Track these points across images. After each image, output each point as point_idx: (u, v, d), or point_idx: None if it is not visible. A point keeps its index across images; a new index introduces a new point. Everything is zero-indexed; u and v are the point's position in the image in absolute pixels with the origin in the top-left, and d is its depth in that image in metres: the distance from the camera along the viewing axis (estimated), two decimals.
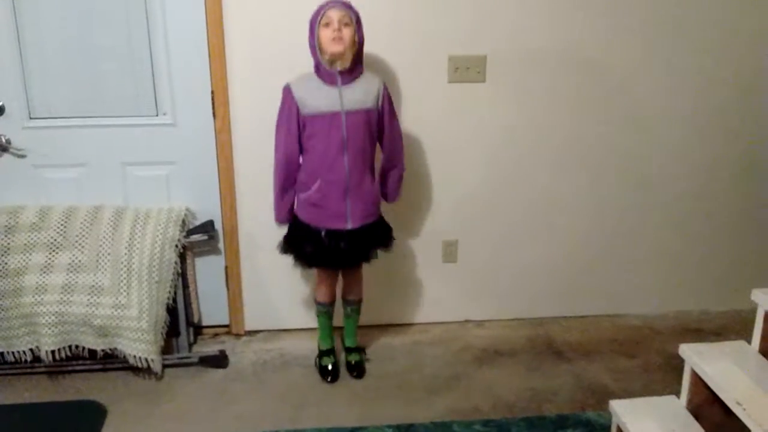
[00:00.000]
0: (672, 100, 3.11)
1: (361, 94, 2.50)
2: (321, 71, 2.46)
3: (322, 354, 2.90)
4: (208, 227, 2.99)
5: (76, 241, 2.78)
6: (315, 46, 2.43)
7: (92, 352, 2.80)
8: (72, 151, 2.91)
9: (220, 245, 3.08)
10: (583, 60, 3.00)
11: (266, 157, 2.95)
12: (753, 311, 2.24)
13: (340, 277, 2.83)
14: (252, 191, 3.01)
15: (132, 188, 2.97)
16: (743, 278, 3.22)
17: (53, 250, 2.77)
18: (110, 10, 2.77)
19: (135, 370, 2.83)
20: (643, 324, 3.32)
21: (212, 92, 2.87)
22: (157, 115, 2.91)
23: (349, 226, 2.58)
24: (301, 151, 2.57)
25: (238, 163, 2.97)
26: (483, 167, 3.10)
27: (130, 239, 2.80)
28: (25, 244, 2.76)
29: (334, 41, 2.38)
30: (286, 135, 2.53)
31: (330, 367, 2.85)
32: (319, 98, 2.45)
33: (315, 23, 2.41)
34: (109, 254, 2.78)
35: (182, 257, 2.91)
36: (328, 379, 2.82)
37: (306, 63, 2.81)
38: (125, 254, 2.78)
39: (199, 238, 2.96)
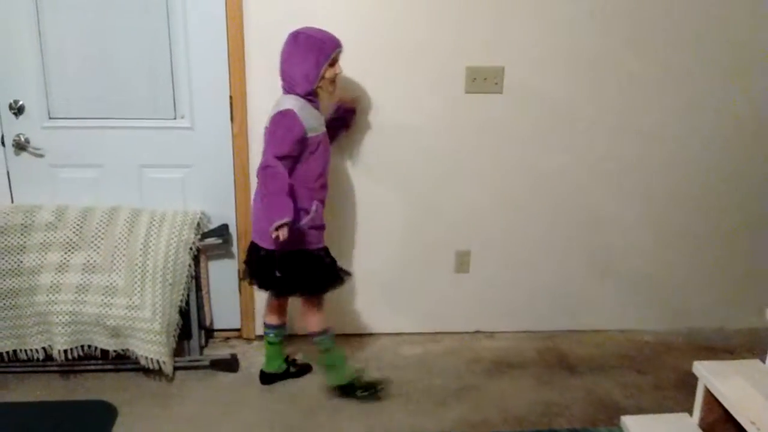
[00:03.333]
0: (692, 115, 3.10)
1: (323, 114, 2.64)
2: (309, 98, 2.51)
3: (355, 383, 2.77)
4: (222, 231, 3.00)
5: (92, 242, 2.79)
6: (316, 77, 2.47)
7: (104, 353, 2.81)
8: (90, 152, 2.93)
9: (234, 249, 3.09)
10: (600, 71, 3.00)
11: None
12: (766, 330, 2.24)
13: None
14: None
15: (148, 190, 2.99)
16: (757, 296, 3.20)
17: (69, 250, 2.78)
18: (131, 13, 2.79)
19: (146, 371, 2.84)
20: (656, 340, 3.30)
21: (230, 97, 2.88)
22: (175, 119, 2.93)
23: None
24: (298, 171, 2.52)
25: (254, 168, 2.97)
26: (498, 178, 3.10)
27: (145, 241, 2.81)
28: (41, 244, 2.77)
29: (334, 83, 2.55)
30: (285, 154, 2.43)
31: (370, 383, 2.78)
32: (313, 120, 2.50)
33: (324, 59, 2.46)
34: (124, 255, 2.79)
35: (196, 260, 2.92)
36: (381, 388, 2.76)
37: None
38: (140, 256, 2.79)
39: (214, 241, 2.97)
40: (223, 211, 3.03)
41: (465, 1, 2.85)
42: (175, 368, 2.87)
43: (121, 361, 2.85)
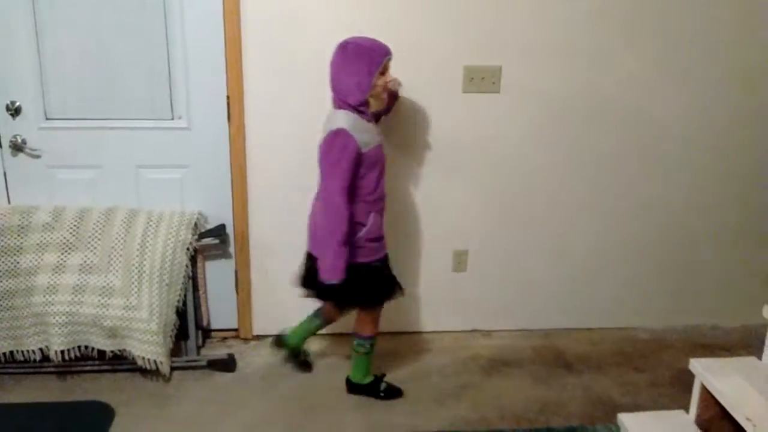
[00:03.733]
0: (690, 114, 3.11)
1: (378, 127, 2.62)
2: (361, 110, 2.45)
3: (375, 385, 2.79)
4: (219, 231, 3.00)
5: (89, 242, 2.79)
6: (368, 86, 2.41)
7: (101, 353, 2.81)
8: (86, 153, 2.93)
9: (231, 250, 3.09)
10: (597, 70, 3.01)
11: (279, 164, 2.98)
12: (763, 327, 2.25)
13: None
14: (264, 197, 3.03)
15: (145, 191, 2.99)
16: (753, 294, 3.21)
17: (65, 251, 2.78)
18: (128, 13, 2.79)
19: (143, 372, 2.84)
20: (652, 338, 3.32)
21: (228, 97, 2.89)
22: (172, 119, 2.93)
23: (385, 249, 2.63)
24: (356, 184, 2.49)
25: (251, 168, 2.99)
26: (496, 177, 3.11)
27: (142, 241, 2.81)
28: (38, 244, 2.77)
29: (386, 91, 2.53)
30: (346, 183, 2.38)
31: (391, 386, 2.80)
32: (367, 134, 2.44)
33: (375, 68, 2.40)
34: (120, 256, 2.79)
35: (193, 260, 2.92)
36: (401, 393, 2.78)
37: (325, 70, 2.84)
38: (137, 256, 2.79)
39: (211, 242, 2.97)
40: (220, 211, 3.03)
41: (462, 0, 2.86)
42: (172, 368, 2.87)
43: (118, 362, 2.85)
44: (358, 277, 2.52)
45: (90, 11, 2.78)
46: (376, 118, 2.69)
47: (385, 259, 2.62)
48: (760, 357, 2.26)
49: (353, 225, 2.47)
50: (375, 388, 2.78)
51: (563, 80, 3.01)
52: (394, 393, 2.80)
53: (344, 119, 2.40)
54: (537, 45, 2.95)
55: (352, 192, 2.44)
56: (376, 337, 2.74)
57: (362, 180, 2.46)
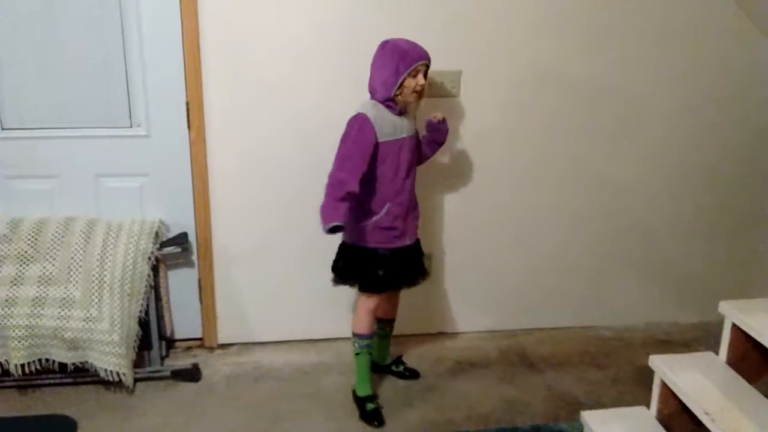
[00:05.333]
0: (642, 113, 3.17)
1: (412, 120, 2.64)
2: (388, 103, 2.52)
3: (364, 400, 2.72)
4: (181, 239, 2.97)
5: (47, 253, 2.75)
6: (394, 85, 2.47)
7: (63, 366, 2.76)
8: (44, 162, 2.88)
9: (194, 258, 3.07)
10: (555, 74, 3.05)
11: (241, 170, 2.97)
12: (721, 323, 2.30)
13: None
14: (227, 204, 3.01)
15: (105, 200, 2.95)
16: (711, 291, 3.27)
17: (24, 263, 2.73)
18: (85, 20, 2.75)
19: (106, 383, 2.80)
20: (614, 336, 3.37)
21: (187, 104, 2.86)
22: (131, 127, 2.89)
23: (408, 242, 2.68)
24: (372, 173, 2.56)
25: (213, 175, 2.97)
26: (456, 181, 3.13)
27: (102, 251, 2.77)
28: None
29: (416, 93, 2.52)
30: (362, 157, 2.47)
31: (376, 409, 2.70)
32: (391, 125, 2.52)
33: (404, 69, 2.46)
34: (80, 266, 2.75)
35: (155, 270, 2.89)
36: (375, 424, 2.66)
37: (284, 74, 2.85)
38: (97, 267, 2.75)
39: (173, 250, 2.94)
40: (182, 219, 3.00)
41: (423, 5, 2.88)
42: (136, 380, 2.84)
43: (80, 374, 2.80)
44: (364, 260, 2.63)
45: (45, 20, 2.73)
46: (429, 151, 2.78)
47: (399, 252, 2.65)
48: (717, 352, 2.31)
49: (366, 211, 2.59)
50: (362, 408, 2.72)
51: (523, 84, 3.04)
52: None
53: (368, 106, 2.52)
54: (497, 50, 2.98)
55: (369, 179, 2.52)
56: (371, 338, 2.73)
57: (379, 169, 2.54)
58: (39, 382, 2.80)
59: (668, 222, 3.36)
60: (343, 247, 2.70)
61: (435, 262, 3.23)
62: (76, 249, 2.76)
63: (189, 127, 2.89)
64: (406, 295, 3.19)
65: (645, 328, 3.44)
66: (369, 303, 2.69)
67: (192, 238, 3.03)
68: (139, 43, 2.80)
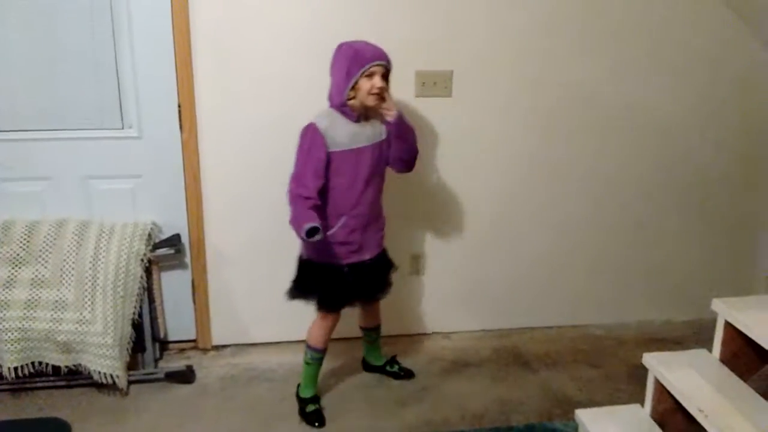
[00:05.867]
0: (631, 112, 3.18)
1: (377, 127, 2.52)
2: (343, 110, 2.43)
3: (306, 402, 2.71)
4: (174, 241, 2.96)
5: (40, 256, 2.73)
6: (346, 89, 2.38)
7: (56, 369, 2.75)
8: (36, 165, 2.87)
9: (187, 259, 3.06)
10: (548, 74, 3.06)
11: (234, 171, 2.96)
12: (713, 321, 2.31)
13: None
14: (219, 205, 3.00)
15: (97, 202, 2.94)
16: (704, 288, 3.28)
17: (16, 265, 2.72)
18: (76, 21, 2.74)
19: (100, 386, 2.79)
20: (607, 334, 3.38)
21: (179, 105, 2.86)
22: (122, 128, 2.88)
23: (367, 256, 2.57)
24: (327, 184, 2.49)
25: (205, 176, 2.96)
26: (448, 180, 3.14)
27: (94, 254, 2.76)
28: None
29: (374, 97, 2.39)
30: (316, 170, 2.40)
31: (316, 410, 2.69)
32: (345, 134, 2.43)
33: (356, 71, 2.36)
34: (73, 269, 2.74)
35: (148, 271, 2.88)
36: (317, 425, 2.64)
37: (276, 75, 2.84)
38: (90, 269, 2.74)
39: (166, 252, 2.93)
40: (174, 220, 3.00)
41: (413, 5, 2.88)
42: (130, 382, 2.83)
43: (74, 377, 2.79)
44: (318, 277, 2.55)
45: (36, 22, 2.72)
46: (397, 155, 2.58)
47: (357, 267, 2.56)
48: (710, 350, 2.32)
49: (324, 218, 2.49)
50: (303, 409, 2.71)
51: (514, 84, 3.05)
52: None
53: (322, 115, 2.44)
54: (488, 49, 2.99)
55: (323, 190, 2.44)
56: (323, 353, 2.70)
57: (333, 180, 2.45)
58: (32, 385, 2.79)
59: (661, 220, 3.37)
60: (299, 261, 2.61)
61: (427, 261, 3.23)
62: (68, 251, 2.75)
63: (181, 128, 2.89)
64: (399, 296, 3.20)
65: (638, 326, 3.46)
66: (326, 321, 2.65)
67: (185, 239, 3.02)
68: (130, 44, 2.79)
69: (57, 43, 2.76)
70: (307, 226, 2.28)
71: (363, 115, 2.47)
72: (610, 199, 3.30)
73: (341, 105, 2.42)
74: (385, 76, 2.42)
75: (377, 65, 2.38)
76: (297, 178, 2.41)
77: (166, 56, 2.81)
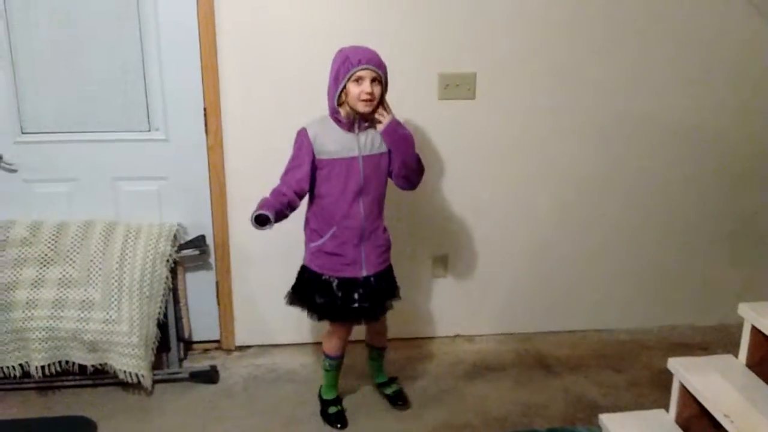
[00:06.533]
0: (655, 115, 3.16)
1: (376, 137, 2.44)
2: (336, 116, 2.40)
3: (327, 404, 2.72)
4: (199, 242, 2.99)
5: (67, 256, 2.77)
6: (336, 95, 2.35)
7: (82, 368, 2.79)
8: (63, 166, 2.92)
9: (212, 260, 3.09)
10: (569, 76, 3.05)
11: (258, 174, 2.97)
12: (738, 326, 2.28)
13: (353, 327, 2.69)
14: (243, 207, 3.00)
15: (123, 203, 2.98)
16: (729, 293, 3.25)
17: (44, 265, 2.76)
18: (103, 26, 2.78)
19: (125, 385, 2.82)
20: (630, 339, 3.35)
21: (205, 108, 2.88)
22: (149, 131, 2.92)
23: (364, 273, 2.50)
24: (311, 197, 2.50)
25: (230, 178, 2.99)
26: (472, 183, 3.13)
27: (121, 254, 2.80)
28: (16, 259, 2.75)
29: (365, 102, 2.32)
30: (299, 172, 2.40)
31: (338, 412, 2.69)
32: (336, 142, 2.39)
33: (343, 76, 2.31)
34: (100, 269, 2.78)
35: (173, 272, 2.91)
36: (338, 426, 2.65)
37: (301, 78, 2.86)
38: (116, 269, 2.78)
39: (191, 253, 2.96)
40: (199, 222, 3.03)
41: (436, 8, 2.89)
42: (154, 381, 2.86)
43: (100, 376, 2.83)
44: (307, 283, 2.55)
45: (65, 24, 2.77)
46: (397, 166, 2.48)
47: (349, 282, 2.49)
48: (736, 355, 2.30)
49: (312, 231, 2.52)
50: (324, 411, 2.72)
51: (538, 86, 3.05)
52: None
53: (314, 121, 2.43)
54: (511, 51, 2.98)
55: (314, 197, 2.47)
56: (340, 359, 2.68)
57: (323, 187, 2.44)
58: (59, 383, 2.83)
59: (685, 224, 3.34)
60: (300, 267, 2.61)
61: (450, 264, 3.23)
62: (95, 252, 2.79)
63: (206, 131, 2.92)
64: (421, 298, 3.21)
65: (661, 331, 3.43)
66: (335, 330, 2.62)
67: (210, 240, 3.05)
68: (157, 48, 2.82)
69: (84, 46, 2.80)
70: (258, 212, 2.30)
71: (358, 124, 2.41)
72: (635, 202, 3.27)
73: (333, 112, 2.39)
74: (379, 81, 2.35)
75: (364, 69, 2.30)
76: (282, 176, 2.45)
77: (193, 60, 2.84)
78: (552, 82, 3.05)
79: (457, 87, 2.98)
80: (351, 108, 2.36)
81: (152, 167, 2.96)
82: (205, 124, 2.91)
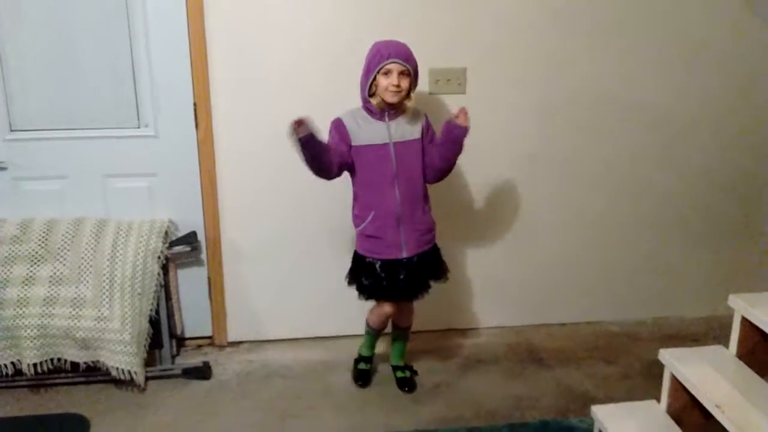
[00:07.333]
0: (644, 108, 3.17)
1: (407, 125, 2.56)
2: (368, 106, 2.52)
3: (360, 359, 2.93)
4: (190, 238, 2.98)
5: (58, 254, 2.76)
6: (367, 87, 2.48)
7: (75, 365, 2.78)
8: (53, 163, 2.90)
9: (203, 256, 3.08)
10: (560, 70, 3.05)
11: (249, 169, 2.98)
12: (728, 317, 2.30)
13: None
14: (235, 202, 3.02)
15: (114, 200, 2.97)
16: (719, 285, 3.27)
17: (35, 263, 2.75)
18: (92, 22, 2.77)
19: (118, 382, 2.82)
20: (622, 331, 3.37)
21: (194, 104, 2.87)
22: (138, 127, 2.91)
23: (405, 254, 2.58)
24: (353, 185, 2.62)
25: (221, 174, 2.98)
26: (462, 177, 3.14)
27: (112, 251, 2.79)
28: (6, 257, 2.74)
29: (392, 93, 2.44)
30: (340, 149, 2.51)
31: (364, 371, 2.90)
32: (368, 131, 2.51)
33: (373, 68, 2.44)
34: (91, 266, 2.77)
35: (165, 269, 2.90)
36: (360, 384, 2.86)
37: (290, 72, 2.85)
38: (107, 266, 2.77)
39: (182, 249, 2.96)
40: (191, 218, 3.02)
41: (426, 3, 2.89)
42: (147, 378, 2.85)
43: (92, 373, 2.82)
44: (356, 265, 2.68)
45: (52, 21, 2.75)
46: (443, 155, 2.59)
47: (391, 264, 2.59)
48: (727, 346, 2.31)
49: (356, 217, 2.64)
50: (355, 365, 2.92)
51: (528, 81, 3.05)
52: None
53: (347, 112, 2.56)
54: (501, 46, 2.99)
55: (356, 183, 2.60)
56: (376, 330, 2.84)
57: (360, 174, 2.55)
58: (51, 381, 2.82)
59: (676, 216, 3.35)
60: (353, 252, 2.71)
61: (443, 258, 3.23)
62: (86, 249, 2.78)
63: (197, 126, 2.91)
64: None
65: (653, 323, 3.44)
66: (378, 308, 2.74)
67: (201, 237, 3.04)
68: (146, 44, 2.81)
69: (73, 43, 2.79)
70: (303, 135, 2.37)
71: (389, 113, 2.52)
72: (625, 195, 3.28)
73: (365, 102, 2.51)
74: (407, 74, 2.47)
75: (393, 62, 2.43)
76: None
77: (182, 55, 2.83)
78: (542, 77, 3.05)
79: (448, 82, 2.99)
80: (381, 98, 2.48)
81: (142, 164, 2.95)
82: (195, 120, 2.90)
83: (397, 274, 2.60)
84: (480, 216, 3.21)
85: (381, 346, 3.01)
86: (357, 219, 2.63)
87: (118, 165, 2.94)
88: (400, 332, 2.91)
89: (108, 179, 2.96)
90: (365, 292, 2.66)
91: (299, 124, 2.35)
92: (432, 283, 2.71)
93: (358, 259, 2.66)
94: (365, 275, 2.63)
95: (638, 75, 3.12)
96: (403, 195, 2.55)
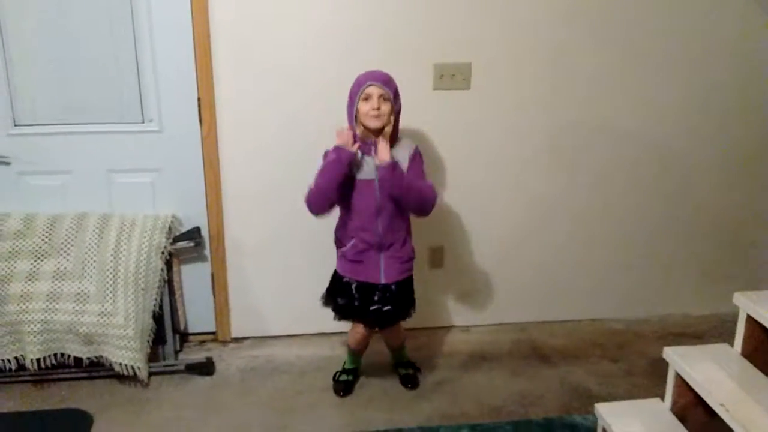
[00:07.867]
0: (647, 106, 3.16)
1: (374, 164, 2.50)
2: (359, 139, 2.49)
3: (341, 371, 2.88)
4: (194, 234, 2.98)
5: (62, 249, 2.76)
6: (353, 117, 2.47)
7: (78, 360, 2.78)
8: (57, 158, 2.90)
9: (207, 252, 3.08)
10: (564, 67, 3.04)
11: (253, 164, 2.98)
12: (733, 315, 2.29)
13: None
14: (238, 198, 3.02)
15: (117, 195, 2.96)
16: (724, 282, 3.26)
17: (38, 258, 2.75)
18: (96, 17, 2.76)
19: (121, 377, 2.82)
20: (626, 328, 3.36)
21: (198, 99, 2.87)
22: (143, 122, 2.90)
23: (381, 281, 2.58)
24: (342, 206, 2.60)
25: (225, 169, 2.98)
26: (468, 173, 3.13)
27: (116, 246, 2.79)
28: (10, 252, 2.74)
29: (373, 117, 2.43)
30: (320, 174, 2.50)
31: (347, 381, 2.84)
32: (359, 164, 2.49)
33: (355, 97, 2.44)
34: (94, 261, 2.77)
35: (168, 264, 2.90)
36: (340, 394, 2.80)
37: (295, 68, 2.84)
38: (111, 261, 2.77)
39: (186, 245, 2.95)
40: (194, 213, 3.02)
41: None
42: (150, 373, 2.85)
43: (95, 369, 2.82)
44: (333, 284, 2.69)
45: (57, 17, 2.74)
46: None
47: (366, 287, 2.59)
48: (732, 344, 2.30)
49: (340, 238, 2.66)
50: (336, 375, 2.87)
51: (533, 76, 3.04)
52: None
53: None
54: (506, 41, 2.97)
55: (344, 208, 2.59)
56: (355, 350, 2.83)
57: (344, 202, 2.55)
58: (55, 376, 2.82)
59: (681, 213, 3.34)
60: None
61: (446, 255, 3.23)
62: (90, 244, 2.78)
63: (201, 122, 2.90)
64: (418, 289, 3.20)
65: (657, 320, 3.44)
66: (355, 328, 2.74)
67: (204, 232, 3.04)
68: (150, 38, 2.81)
69: (77, 37, 2.78)
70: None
71: (373, 145, 2.47)
72: (629, 192, 3.27)
73: (355, 135, 2.48)
74: (387, 99, 2.43)
75: (371, 86, 2.42)
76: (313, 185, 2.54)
77: (186, 51, 2.82)
78: (547, 73, 3.04)
79: (452, 77, 2.98)
80: (365, 126, 2.46)
81: (146, 159, 2.95)
82: (199, 115, 2.89)
83: (371, 296, 2.59)
84: (483, 212, 3.20)
85: (380, 347, 3.00)
86: (338, 242, 2.67)
87: (122, 160, 2.94)
88: (394, 351, 2.93)
89: (112, 174, 2.95)
90: (339, 312, 2.68)
91: (354, 140, 2.42)
92: (402, 313, 2.69)
93: (336, 278, 2.67)
94: (341, 295, 2.64)
95: (644, 71, 3.10)
96: (385, 228, 2.55)
